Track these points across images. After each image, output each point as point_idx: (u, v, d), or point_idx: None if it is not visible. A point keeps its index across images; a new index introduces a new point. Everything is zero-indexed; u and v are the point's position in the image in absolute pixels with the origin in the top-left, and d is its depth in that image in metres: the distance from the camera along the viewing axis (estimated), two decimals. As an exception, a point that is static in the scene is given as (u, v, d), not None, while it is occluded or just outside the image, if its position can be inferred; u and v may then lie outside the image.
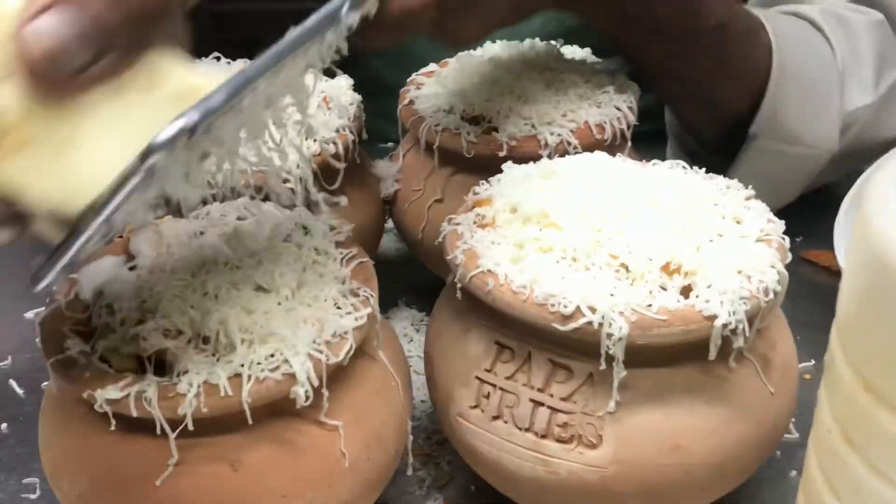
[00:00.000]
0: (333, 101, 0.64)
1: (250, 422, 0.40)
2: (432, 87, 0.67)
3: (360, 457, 0.44)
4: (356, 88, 0.66)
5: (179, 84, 0.37)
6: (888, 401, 0.29)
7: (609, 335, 0.41)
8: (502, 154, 0.58)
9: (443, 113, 0.63)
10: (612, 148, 0.58)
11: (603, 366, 0.42)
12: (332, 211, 0.49)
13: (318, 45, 0.40)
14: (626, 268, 0.44)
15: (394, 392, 0.47)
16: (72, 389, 0.41)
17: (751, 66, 0.65)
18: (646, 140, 0.65)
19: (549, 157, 0.57)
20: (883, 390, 0.29)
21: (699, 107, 0.69)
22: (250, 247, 0.47)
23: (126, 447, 0.41)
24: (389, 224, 0.69)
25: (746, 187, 0.50)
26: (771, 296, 0.43)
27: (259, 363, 0.41)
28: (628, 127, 0.61)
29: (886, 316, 0.28)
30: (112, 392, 0.39)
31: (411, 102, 0.65)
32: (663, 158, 0.54)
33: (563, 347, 0.43)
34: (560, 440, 0.44)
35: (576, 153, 0.58)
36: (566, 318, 0.42)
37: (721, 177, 0.51)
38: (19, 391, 0.63)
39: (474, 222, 0.49)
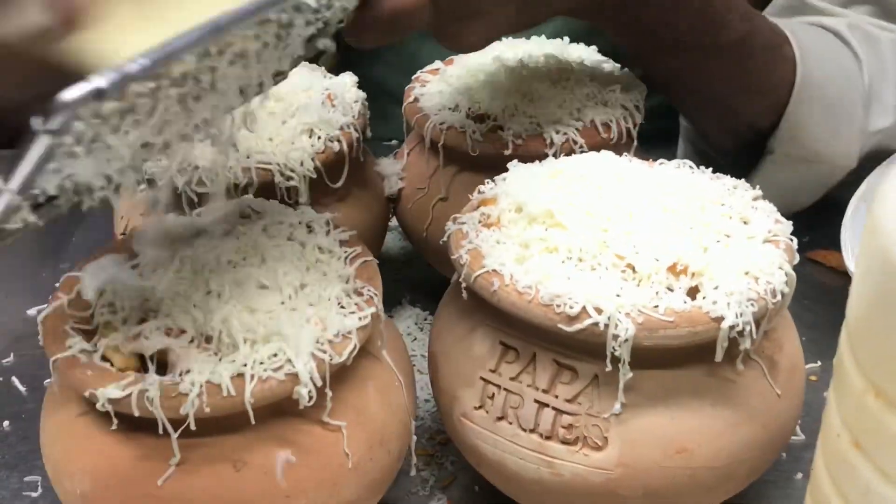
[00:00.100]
0: (338, 99, 0.63)
1: (253, 422, 0.40)
2: (437, 84, 0.67)
3: (364, 457, 0.44)
4: None
5: None
6: (898, 405, 0.28)
7: (615, 336, 0.41)
8: (507, 153, 0.58)
9: (448, 111, 0.63)
10: (618, 147, 0.58)
11: (608, 367, 0.42)
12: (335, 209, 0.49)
13: (271, 26, 0.38)
14: (633, 268, 0.43)
15: (397, 392, 0.46)
16: (73, 388, 0.41)
17: (772, 81, 0.64)
18: (653, 140, 0.64)
19: (555, 156, 0.57)
20: (893, 395, 0.29)
21: (717, 120, 0.68)
22: (253, 245, 0.47)
23: (128, 446, 0.41)
24: (393, 222, 0.69)
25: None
26: (778, 297, 0.43)
27: (262, 363, 0.40)
28: (635, 126, 0.61)
29: (897, 320, 0.28)
30: (114, 391, 0.39)
31: (416, 100, 0.65)
32: (670, 158, 0.53)
33: (569, 348, 0.43)
34: (565, 442, 0.44)
35: (582, 152, 0.57)
36: (572, 319, 0.41)
37: (728, 177, 0.51)
38: (21, 388, 0.62)
39: (479, 222, 0.49)
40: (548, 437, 0.44)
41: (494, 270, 0.44)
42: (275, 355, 0.41)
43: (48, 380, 0.45)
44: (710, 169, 0.52)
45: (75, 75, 0.33)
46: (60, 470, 0.44)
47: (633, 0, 0.58)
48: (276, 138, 0.58)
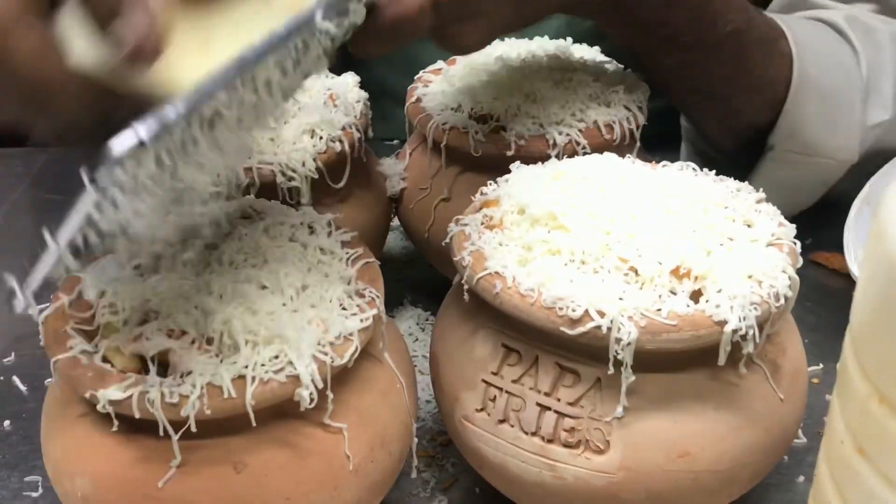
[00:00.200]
0: (340, 99, 0.63)
1: (254, 424, 0.40)
2: (440, 84, 0.67)
3: (365, 459, 0.44)
4: None
5: None
6: (903, 412, 0.28)
7: (618, 340, 0.41)
8: (510, 153, 0.58)
9: (450, 111, 0.63)
10: (620, 148, 0.58)
11: (611, 370, 0.42)
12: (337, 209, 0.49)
13: (290, 53, 0.39)
14: (636, 271, 0.43)
15: (399, 394, 0.46)
16: (74, 389, 0.41)
17: (769, 76, 0.64)
18: (655, 141, 0.64)
19: (558, 156, 0.57)
20: (897, 401, 0.28)
21: (716, 117, 0.68)
22: (255, 246, 0.47)
23: (128, 448, 0.41)
24: (395, 222, 0.69)
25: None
26: (782, 301, 0.43)
27: (263, 365, 0.40)
28: (637, 127, 0.61)
29: (902, 326, 0.27)
30: (115, 392, 0.39)
31: (418, 100, 0.65)
32: (673, 160, 0.53)
33: (571, 351, 0.43)
34: (567, 445, 0.43)
35: (584, 153, 0.57)
36: (574, 322, 0.41)
37: (731, 179, 0.51)
38: (22, 388, 0.62)
39: (482, 223, 0.49)
40: (550, 441, 0.44)
41: (497, 273, 0.44)
42: (276, 357, 0.41)
43: (49, 379, 0.45)
44: (714, 171, 0.51)
45: (139, 99, 0.36)
46: (61, 471, 0.44)
47: None
48: (278, 139, 0.58)
